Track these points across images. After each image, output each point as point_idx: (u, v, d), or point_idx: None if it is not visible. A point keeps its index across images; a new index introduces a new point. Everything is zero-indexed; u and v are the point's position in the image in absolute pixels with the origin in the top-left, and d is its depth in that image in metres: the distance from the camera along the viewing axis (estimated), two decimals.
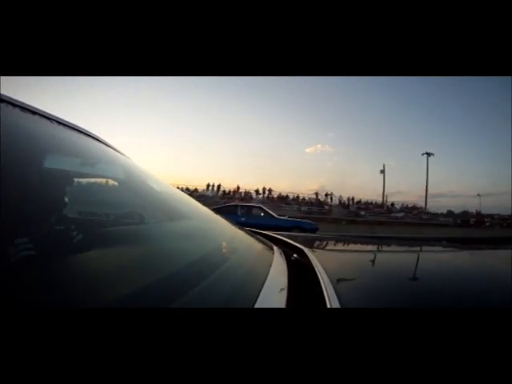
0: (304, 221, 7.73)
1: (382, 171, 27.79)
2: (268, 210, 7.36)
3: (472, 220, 25.40)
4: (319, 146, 52.79)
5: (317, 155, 50.75)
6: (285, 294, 0.41)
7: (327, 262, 0.59)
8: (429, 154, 28.34)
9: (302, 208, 20.55)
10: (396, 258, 0.89)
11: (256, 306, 0.36)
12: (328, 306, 0.36)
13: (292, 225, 6.85)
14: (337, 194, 24.75)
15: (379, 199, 27.04)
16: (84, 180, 0.64)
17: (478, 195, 31.32)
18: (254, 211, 7.33)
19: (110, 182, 0.71)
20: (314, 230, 6.71)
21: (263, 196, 22.31)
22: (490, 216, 27.92)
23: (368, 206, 25.56)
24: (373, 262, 0.82)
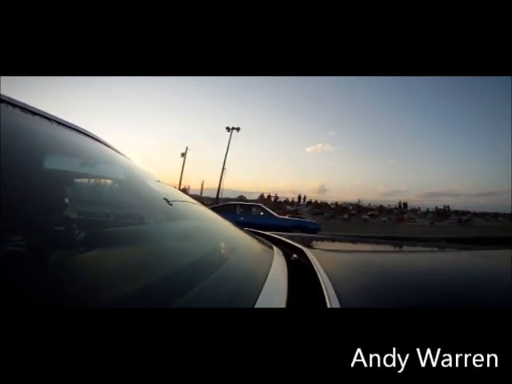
0: (307, 221, 7.49)
1: (183, 154, 23.12)
2: (268, 209, 7.12)
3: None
4: (320, 145, 52.85)
5: (317, 154, 50.79)
6: (285, 293, 0.41)
7: (327, 262, 0.59)
8: (237, 130, 20.48)
9: None
10: (396, 258, 0.89)
11: (256, 306, 0.36)
12: (328, 306, 0.36)
13: (294, 224, 6.56)
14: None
15: (379, 198, 26.96)
16: (84, 180, 0.64)
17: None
18: (254, 210, 7.06)
19: (110, 182, 0.71)
20: (316, 230, 6.43)
21: None
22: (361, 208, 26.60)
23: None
24: (373, 262, 0.82)
